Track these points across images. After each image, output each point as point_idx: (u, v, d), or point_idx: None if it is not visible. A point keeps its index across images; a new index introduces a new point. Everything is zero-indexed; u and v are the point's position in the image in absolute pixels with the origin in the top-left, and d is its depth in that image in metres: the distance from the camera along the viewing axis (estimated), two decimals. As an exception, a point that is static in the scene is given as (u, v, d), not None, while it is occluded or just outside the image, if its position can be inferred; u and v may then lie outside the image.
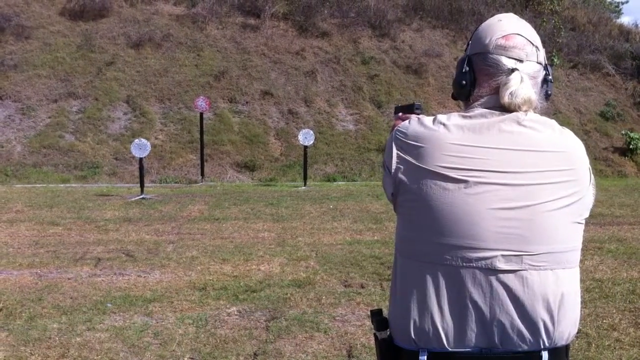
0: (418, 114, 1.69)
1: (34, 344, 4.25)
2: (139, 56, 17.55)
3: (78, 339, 4.34)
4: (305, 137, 13.47)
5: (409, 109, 1.79)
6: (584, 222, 1.51)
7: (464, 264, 1.41)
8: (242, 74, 17.68)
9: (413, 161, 1.48)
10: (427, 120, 1.53)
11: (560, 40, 20.39)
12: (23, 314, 4.85)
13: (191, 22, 18.88)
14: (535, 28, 1.56)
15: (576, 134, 1.60)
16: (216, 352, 4.15)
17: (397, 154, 1.52)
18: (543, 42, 1.61)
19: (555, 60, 19.85)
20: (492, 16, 1.66)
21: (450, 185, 1.43)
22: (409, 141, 1.51)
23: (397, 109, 1.85)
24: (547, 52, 1.62)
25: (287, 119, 16.88)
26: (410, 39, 20.18)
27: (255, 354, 4.15)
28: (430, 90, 18.44)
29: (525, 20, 1.63)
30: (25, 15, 17.85)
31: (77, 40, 17.59)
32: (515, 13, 1.63)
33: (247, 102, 17.05)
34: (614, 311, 5.04)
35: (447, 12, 21.02)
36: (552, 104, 18.71)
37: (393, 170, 1.53)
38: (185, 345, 4.27)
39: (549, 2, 21.47)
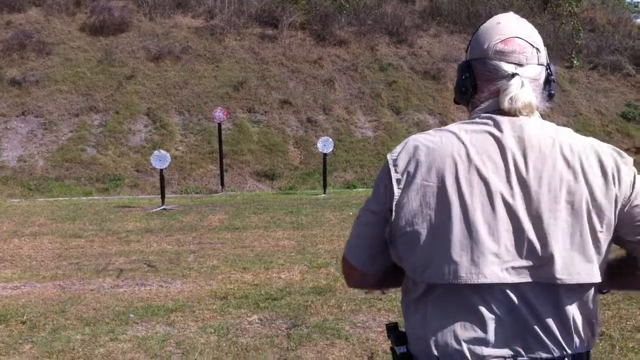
0: None
1: (58, 355, 4.29)
2: (158, 69, 17.73)
3: (101, 350, 4.38)
4: (325, 144, 13.49)
5: None
6: (608, 232, 1.44)
7: (476, 277, 1.37)
8: (261, 83, 17.77)
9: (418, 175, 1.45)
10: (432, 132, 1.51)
11: (579, 42, 20.19)
12: (47, 326, 4.90)
13: (210, 34, 19.04)
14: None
15: (597, 135, 1.53)
16: (237, 361, 4.16)
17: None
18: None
19: (575, 61, 19.66)
20: None
21: (454, 198, 1.39)
22: (416, 155, 1.46)
23: None
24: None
25: (306, 127, 16.92)
26: (427, 44, 20.15)
27: (276, 361, 4.16)
28: (448, 96, 18.35)
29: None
30: (46, 32, 18.13)
31: (97, 55, 17.82)
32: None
33: (265, 112, 17.12)
34: (638, 313, 4.97)
35: (464, 17, 20.95)
36: (572, 106, 18.55)
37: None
38: (207, 354, 4.28)
39: (567, 4, 21.27)
